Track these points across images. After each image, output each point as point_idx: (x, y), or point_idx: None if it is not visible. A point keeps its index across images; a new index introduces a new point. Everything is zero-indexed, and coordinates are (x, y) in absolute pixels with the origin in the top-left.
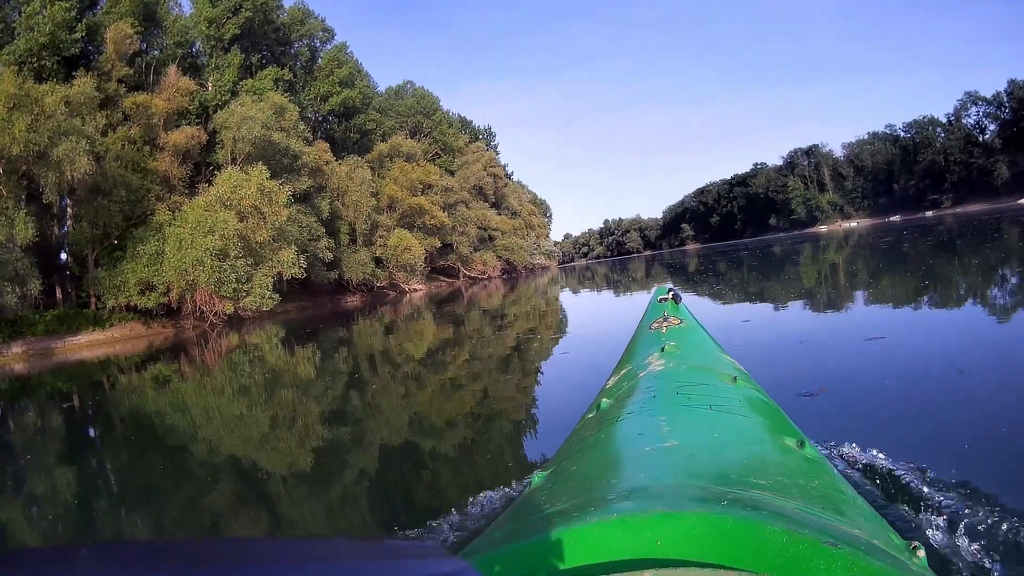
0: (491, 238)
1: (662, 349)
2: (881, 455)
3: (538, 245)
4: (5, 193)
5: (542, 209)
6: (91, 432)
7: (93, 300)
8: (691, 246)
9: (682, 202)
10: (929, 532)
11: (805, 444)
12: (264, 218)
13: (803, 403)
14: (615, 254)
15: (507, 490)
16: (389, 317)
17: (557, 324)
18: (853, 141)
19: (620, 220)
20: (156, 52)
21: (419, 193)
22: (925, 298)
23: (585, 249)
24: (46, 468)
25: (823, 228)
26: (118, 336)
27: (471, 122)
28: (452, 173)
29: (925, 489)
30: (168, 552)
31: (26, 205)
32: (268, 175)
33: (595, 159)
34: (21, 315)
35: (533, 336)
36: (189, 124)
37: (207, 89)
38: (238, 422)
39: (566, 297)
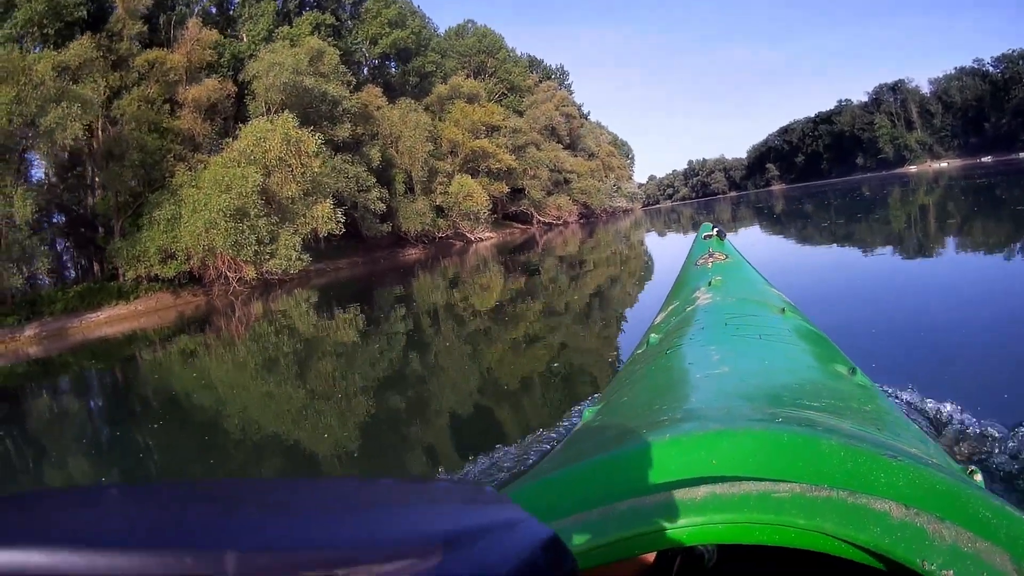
0: (566, 181)
1: (709, 283)
2: (939, 396)
3: (618, 187)
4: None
5: (623, 150)
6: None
7: (120, 272)
8: (776, 187)
9: (766, 141)
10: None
11: (856, 372)
12: (292, 171)
13: (857, 340)
14: (700, 195)
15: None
16: (453, 270)
17: (641, 269)
18: (940, 76)
19: (704, 161)
20: (183, 7)
21: (483, 136)
22: (1018, 246)
23: (670, 191)
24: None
25: (912, 168)
26: (142, 309)
27: (542, 61)
28: (520, 114)
29: (986, 430)
30: (205, 491)
31: (59, 176)
32: (296, 123)
33: (677, 99)
34: (43, 294)
35: (614, 283)
36: (221, 77)
37: (241, 40)
38: (265, 396)
39: (652, 240)
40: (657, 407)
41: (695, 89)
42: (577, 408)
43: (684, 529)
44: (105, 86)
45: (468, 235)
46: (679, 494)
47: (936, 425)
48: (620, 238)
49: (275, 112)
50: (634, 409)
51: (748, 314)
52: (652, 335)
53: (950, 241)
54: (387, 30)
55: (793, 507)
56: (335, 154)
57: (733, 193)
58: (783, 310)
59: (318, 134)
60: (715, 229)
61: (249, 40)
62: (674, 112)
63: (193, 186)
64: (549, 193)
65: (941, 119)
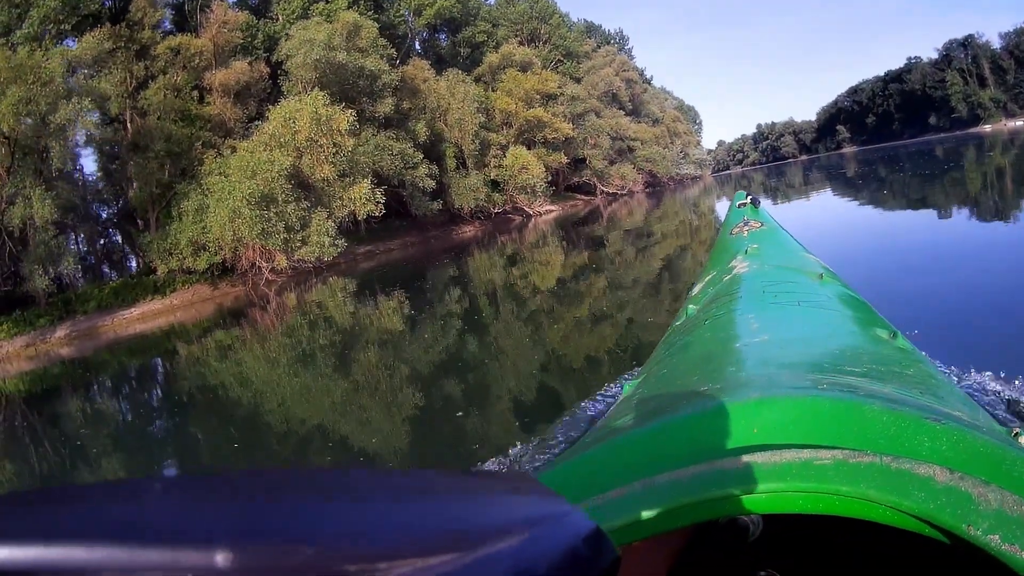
0: (630, 149)
1: (745, 251)
2: (985, 362)
3: (685, 154)
4: (13, 172)
5: (689, 116)
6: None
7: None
8: (848, 149)
9: (835, 102)
10: None
11: (897, 336)
12: (324, 151)
13: (896, 306)
14: (770, 160)
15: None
16: (511, 246)
17: (712, 239)
18: (1011, 31)
19: (773, 124)
20: None
21: (538, 105)
22: None
23: (740, 156)
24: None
25: (987, 128)
26: (178, 303)
27: (600, 27)
28: (578, 81)
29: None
30: (247, 482)
31: (103, 170)
32: (328, 100)
33: (744, 62)
34: (79, 292)
35: (684, 254)
36: (254, 59)
37: (277, 20)
38: (293, 392)
39: (723, 208)
40: (697, 378)
41: (762, 51)
42: (619, 382)
43: (726, 500)
44: (130, 77)
45: (527, 209)
46: (720, 464)
47: (981, 391)
48: (689, 206)
49: (310, 91)
50: (674, 381)
51: (786, 281)
52: (691, 305)
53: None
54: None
55: (836, 474)
56: (378, 131)
57: (804, 157)
58: (821, 276)
59: (350, 111)
60: (749, 197)
61: (285, 19)
62: (741, 76)
63: (220, 174)
64: (612, 162)
65: (1015, 75)
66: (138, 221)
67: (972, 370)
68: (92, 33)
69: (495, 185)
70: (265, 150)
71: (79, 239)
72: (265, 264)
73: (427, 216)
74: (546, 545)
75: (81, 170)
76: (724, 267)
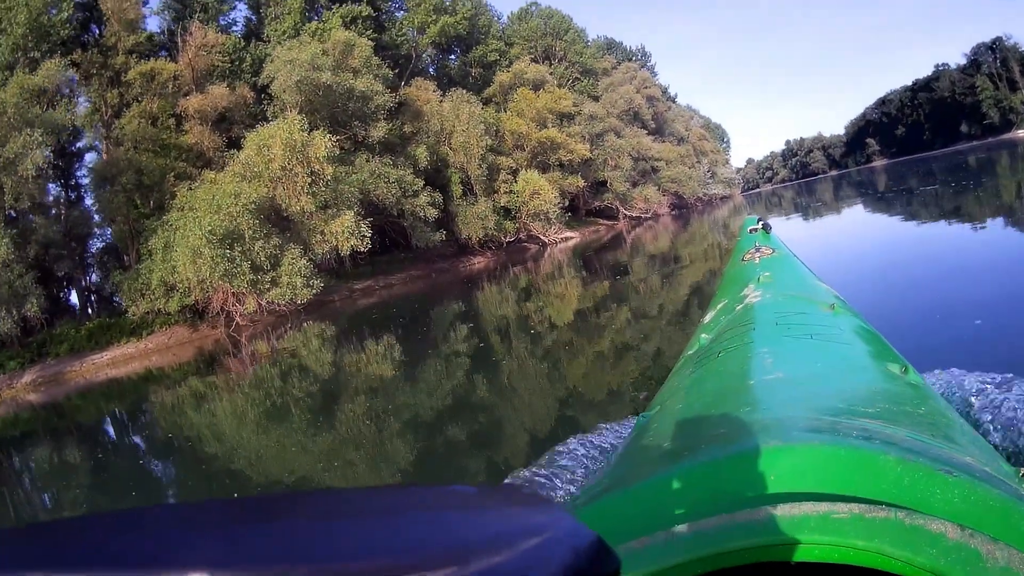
0: (654, 170)
1: (757, 280)
2: (989, 386)
3: (713, 173)
4: None
5: (716, 134)
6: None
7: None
8: (878, 162)
9: (863, 115)
10: None
11: (908, 370)
12: (300, 180)
13: (905, 332)
14: (800, 176)
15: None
16: (524, 279)
17: (725, 263)
18: None
19: (802, 140)
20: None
21: (552, 125)
22: None
23: (769, 173)
24: None
25: (1020, 133)
26: (152, 347)
27: (621, 43)
28: (596, 99)
29: None
30: (249, 508)
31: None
32: (304, 124)
33: (768, 78)
34: (55, 333)
35: (714, 279)
36: (238, 83)
37: (268, 42)
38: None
39: None
40: (713, 417)
41: (787, 66)
42: (632, 415)
43: (747, 552)
44: (105, 105)
45: (542, 237)
46: (740, 516)
47: (991, 421)
48: (718, 228)
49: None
50: (689, 418)
51: (798, 311)
52: (703, 335)
53: None
54: (433, 17)
55: (853, 529)
56: (373, 157)
57: (833, 172)
58: (832, 306)
59: (329, 136)
60: (760, 223)
61: (275, 40)
62: (768, 92)
63: (187, 208)
64: (635, 184)
65: None
66: (124, 258)
67: (978, 397)
68: (52, 60)
69: (506, 212)
70: (240, 181)
71: (64, 277)
72: (235, 308)
73: (432, 248)
74: (545, 554)
75: (61, 202)
76: (736, 296)
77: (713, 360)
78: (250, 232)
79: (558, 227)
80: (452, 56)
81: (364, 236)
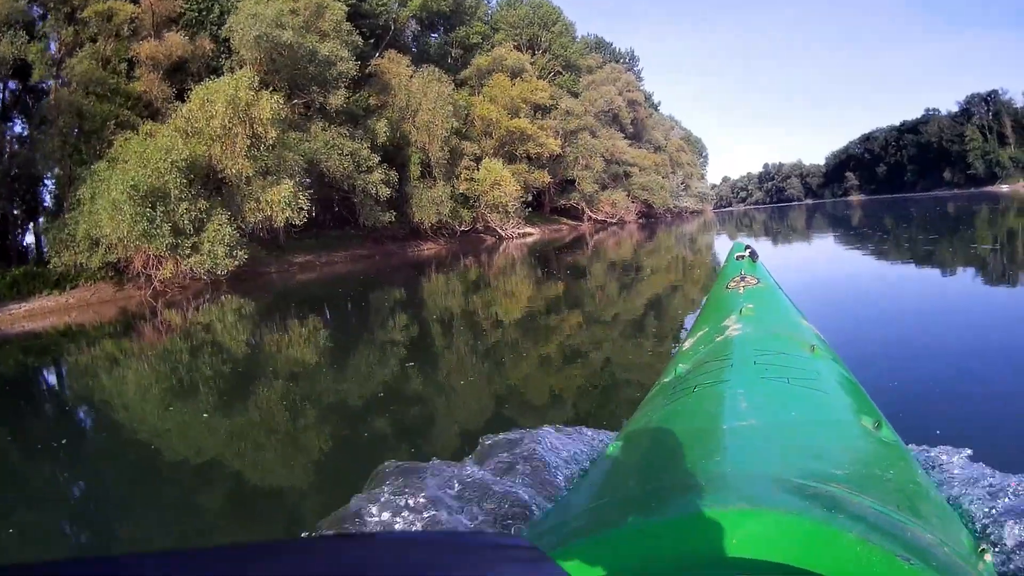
0: (626, 175)
1: (739, 312)
2: (965, 450)
3: (687, 186)
4: None
5: (696, 147)
6: None
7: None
8: (855, 197)
9: (846, 148)
10: (1000, 531)
11: (882, 426)
12: (239, 141)
13: (882, 382)
14: (774, 201)
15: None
16: (475, 271)
17: (708, 278)
18: None
19: (780, 165)
20: None
21: (524, 115)
22: None
23: (743, 194)
24: None
25: (1004, 187)
26: (73, 302)
27: (611, 44)
28: (576, 96)
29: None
30: (210, 559)
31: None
32: (254, 82)
33: (756, 100)
34: None
35: (674, 293)
36: (199, 33)
37: None
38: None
39: (723, 245)
40: (682, 464)
41: (777, 92)
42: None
43: None
44: (59, 43)
45: (499, 230)
46: None
47: (962, 485)
48: (684, 242)
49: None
50: (658, 461)
51: (778, 351)
52: (680, 364)
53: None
54: None
55: None
56: (330, 126)
57: (809, 201)
58: (813, 348)
59: (281, 98)
60: (748, 249)
61: None
62: (752, 113)
63: (117, 160)
64: (604, 187)
65: None
66: (64, 205)
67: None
68: None
69: (465, 200)
70: (178, 136)
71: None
72: (154, 271)
73: (382, 228)
74: None
75: (10, 140)
76: (717, 326)
77: (688, 395)
78: (176, 191)
79: (517, 221)
80: (434, 34)
81: (301, 208)
